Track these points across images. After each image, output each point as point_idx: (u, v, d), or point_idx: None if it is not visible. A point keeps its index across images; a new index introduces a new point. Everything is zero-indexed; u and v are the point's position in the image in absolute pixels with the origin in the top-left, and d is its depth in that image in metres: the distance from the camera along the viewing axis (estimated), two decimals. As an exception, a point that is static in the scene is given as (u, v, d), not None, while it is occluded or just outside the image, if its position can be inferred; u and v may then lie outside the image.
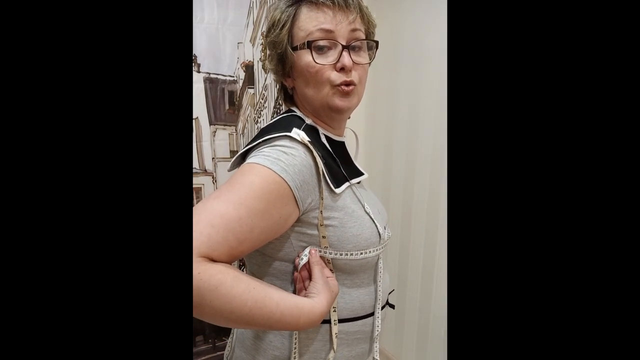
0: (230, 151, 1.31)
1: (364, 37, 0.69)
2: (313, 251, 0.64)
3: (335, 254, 0.66)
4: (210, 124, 1.26)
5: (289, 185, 0.58)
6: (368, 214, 0.70)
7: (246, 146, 0.68)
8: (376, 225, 0.70)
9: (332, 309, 0.68)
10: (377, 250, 0.71)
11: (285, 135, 0.62)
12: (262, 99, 1.34)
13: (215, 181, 1.28)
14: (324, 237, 0.65)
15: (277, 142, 0.62)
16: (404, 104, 1.50)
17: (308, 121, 0.70)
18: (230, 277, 0.51)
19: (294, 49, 0.67)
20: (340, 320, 0.69)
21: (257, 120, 1.35)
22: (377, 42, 0.72)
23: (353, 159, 0.78)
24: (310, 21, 0.66)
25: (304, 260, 0.64)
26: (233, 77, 1.26)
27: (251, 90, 1.30)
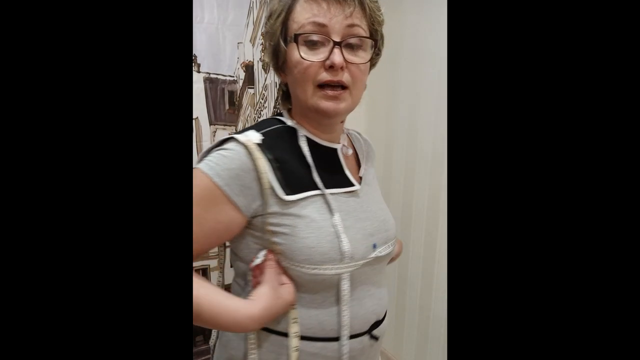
0: (230, 151, 1.30)
1: (363, 34, 0.61)
2: (270, 255, 0.63)
3: (287, 264, 0.62)
4: (210, 124, 1.26)
5: (222, 190, 0.58)
6: (335, 226, 0.62)
7: (209, 149, 0.66)
8: (341, 241, 0.61)
9: (293, 320, 0.64)
10: (336, 269, 0.62)
11: (232, 138, 0.61)
12: (262, 99, 1.34)
13: (215, 181, 1.28)
14: (273, 243, 0.62)
15: (223, 146, 0.62)
16: (404, 104, 1.50)
17: (290, 122, 0.67)
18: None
19: (286, 41, 0.62)
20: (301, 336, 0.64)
21: (257, 120, 1.35)
22: (376, 41, 0.64)
23: (362, 164, 0.74)
24: (304, 13, 0.60)
25: (257, 261, 0.63)
26: (233, 77, 1.26)
27: (251, 90, 1.30)
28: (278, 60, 0.65)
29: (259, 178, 0.60)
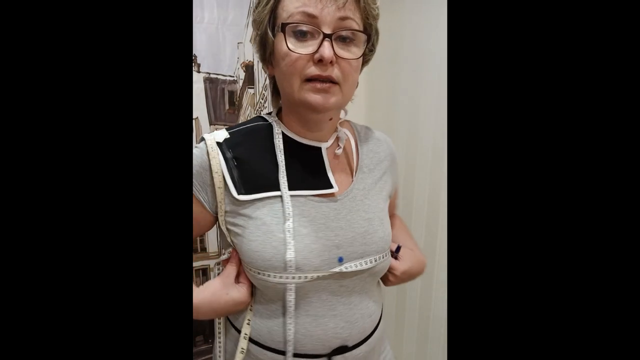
0: (230, 151, 1.30)
1: (356, 27, 0.57)
2: (234, 252, 0.64)
3: (244, 264, 0.63)
4: (210, 124, 1.25)
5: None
6: (286, 232, 0.58)
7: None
8: (287, 249, 0.57)
9: (246, 321, 0.64)
10: (279, 277, 0.58)
11: (203, 137, 0.63)
12: (262, 99, 1.33)
13: (215, 181, 1.28)
14: (232, 241, 0.63)
15: (196, 144, 0.64)
16: (404, 104, 1.50)
17: (270, 120, 0.65)
18: None
19: (274, 31, 0.58)
20: (251, 339, 0.64)
21: (257, 120, 1.35)
22: (369, 36, 0.59)
23: (356, 170, 0.67)
24: (294, 2, 0.55)
25: (223, 257, 0.66)
26: (233, 77, 1.26)
27: (251, 90, 1.30)
28: (265, 51, 0.62)
29: (212, 177, 0.61)
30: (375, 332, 0.68)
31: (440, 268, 1.38)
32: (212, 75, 1.23)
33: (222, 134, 0.63)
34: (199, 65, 1.20)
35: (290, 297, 0.59)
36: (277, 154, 0.62)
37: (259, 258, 0.59)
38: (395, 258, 0.74)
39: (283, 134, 0.64)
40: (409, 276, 0.75)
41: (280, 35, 0.57)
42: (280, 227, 0.59)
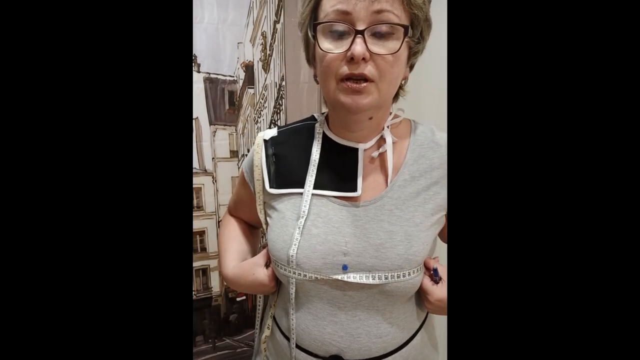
0: (230, 151, 1.30)
1: (395, 20, 0.53)
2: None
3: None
4: (210, 124, 1.25)
5: (244, 174, 0.73)
6: (298, 228, 0.59)
7: None
8: (292, 245, 0.59)
9: (273, 303, 0.72)
10: (285, 270, 0.61)
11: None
12: (262, 99, 1.33)
13: (215, 181, 1.28)
14: (266, 228, 0.70)
15: None
16: (404, 104, 1.50)
17: (320, 118, 0.69)
18: (225, 221, 0.85)
19: (315, 32, 0.56)
20: (275, 321, 0.72)
21: (257, 120, 1.35)
22: (406, 28, 0.54)
23: (390, 174, 0.61)
24: (330, 0, 0.54)
25: (264, 242, 0.73)
26: (233, 77, 1.26)
27: (251, 90, 1.30)
28: (308, 52, 0.62)
29: (253, 170, 0.68)
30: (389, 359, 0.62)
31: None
32: (212, 75, 1.23)
33: (271, 132, 0.69)
34: (199, 65, 1.20)
35: (292, 290, 0.61)
36: (312, 152, 0.64)
37: (273, 248, 0.63)
38: (435, 282, 0.64)
39: (324, 133, 0.66)
40: (433, 309, 0.66)
41: (317, 36, 0.56)
42: (294, 222, 0.61)
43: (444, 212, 0.64)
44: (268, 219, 0.68)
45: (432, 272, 0.64)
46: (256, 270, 0.68)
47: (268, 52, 1.29)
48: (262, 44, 1.27)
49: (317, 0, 0.56)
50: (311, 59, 0.62)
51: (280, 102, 1.36)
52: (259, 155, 0.67)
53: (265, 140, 0.68)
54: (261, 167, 0.66)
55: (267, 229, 0.68)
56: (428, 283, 0.64)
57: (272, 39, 1.30)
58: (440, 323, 1.41)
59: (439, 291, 0.62)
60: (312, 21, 0.57)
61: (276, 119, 1.35)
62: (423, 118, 1.46)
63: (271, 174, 0.65)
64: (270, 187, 0.65)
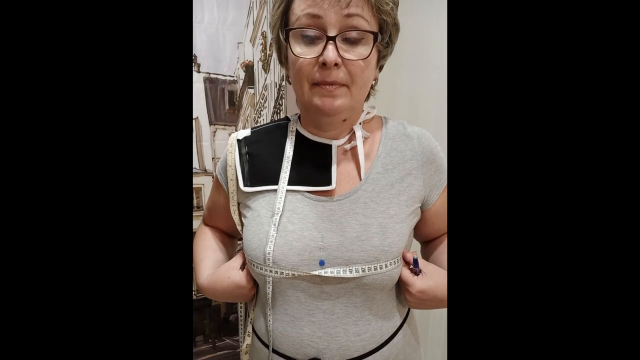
0: (230, 151, 1.30)
1: (365, 25, 0.54)
2: None
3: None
4: (210, 124, 1.25)
5: (217, 177, 0.72)
6: (274, 225, 0.59)
7: None
8: (269, 243, 0.58)
9: (252, 308, 0.70)
10: (261, 269, 0.60)
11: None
12: (262, 99, 1.33)
13: (215, 181, 1.28)
14: (241, 229, 0.70)
15: None
16: (404, 104, 1.50)
17: (293, 118, 0.69)
18: (199, 231, 0.81)
19: (285, 35, 0.56)
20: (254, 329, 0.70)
21: (257, 121, 1.35)
22: (375, 34, 0.55)
23: (363, 167, 0.61)
24: (300, 4, 0.54)
25: (240, 245, 0.70)
26: (233, 77, 1.26)
27: (251, 90, 1.30)
28: (281, 53, 0.62)
29: (226, 170, 0.68)
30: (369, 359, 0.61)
31: (440, 268, 1.38)
32: (212, 75, 1.23)
33: (244, 132, 0.68)
34: (199, 65, 1.20)
35: (269, 289, 0.60)
36: (285, 149, 0.64)
37: (248, 247, 0.62)
38: (415, 273, 0.63)
39: (297, 131, 0.66)
40: (433, 299, 0.63)
41: (289, 40, 0.56)
42: (269, 220, 0.60)
43: (419, 205, 0.65)
44: (243, 219, 0.67)
45: (412, 263, 0.64)
46: (231, 273, 0.66)
47: (268, 52, 1.29)
48: (262, 44, 1.27)
49: (287, 3, 0.57)
50: (283, 60, 0.63)
51: (280, 102, 1.36)
52: (232, 155, 0.66)
53: (238, 140, 0.67)
54: (235, 166, 0.66)
55: (242, 229, 0.67)
56: (408, 275, 0.63)
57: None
58: (440, 323, 1.41)
59: (420, 282, 0.62)
60: (283, 24, 0.58)
61: (276, 119, 1.35)
62: (421, 122, 1.47)
63: (245, 172, 0.65)
64: (245, 185, 0.64)
